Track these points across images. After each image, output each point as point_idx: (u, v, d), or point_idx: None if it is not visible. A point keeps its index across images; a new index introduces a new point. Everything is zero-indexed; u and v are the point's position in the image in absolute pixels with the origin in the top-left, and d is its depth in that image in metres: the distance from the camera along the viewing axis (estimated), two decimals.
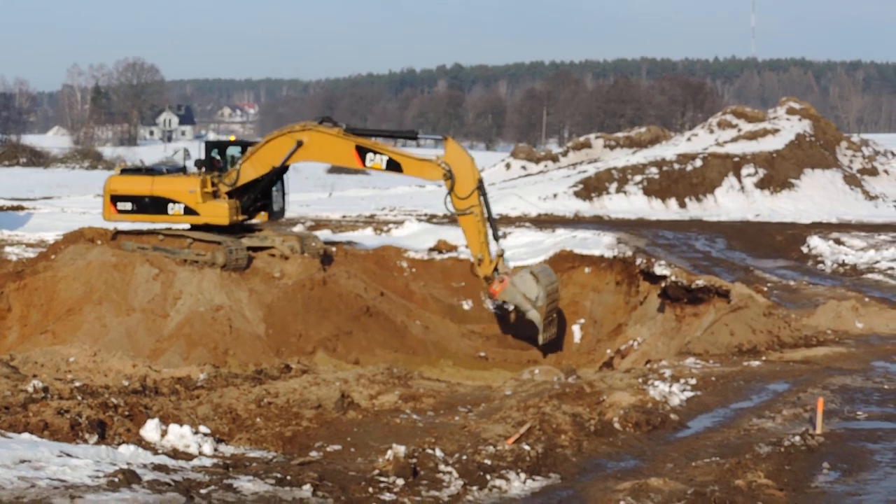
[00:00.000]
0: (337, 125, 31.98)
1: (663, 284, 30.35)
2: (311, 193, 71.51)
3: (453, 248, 36.84)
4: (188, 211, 32.64)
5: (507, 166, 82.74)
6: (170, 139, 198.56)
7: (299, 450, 14.85)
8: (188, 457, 13.38)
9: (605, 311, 33.39)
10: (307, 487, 11.89)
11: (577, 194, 59.39)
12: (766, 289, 29.93)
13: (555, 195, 59.13)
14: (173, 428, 14.12)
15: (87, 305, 30.59)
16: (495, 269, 30.57)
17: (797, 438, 14.67)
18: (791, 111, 68.83)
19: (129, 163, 60.56)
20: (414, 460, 13.03)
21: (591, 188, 60.19)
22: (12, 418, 13.79)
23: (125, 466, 11.60)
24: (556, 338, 32.01)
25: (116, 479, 10.97)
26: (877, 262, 37.38)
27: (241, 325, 30.48)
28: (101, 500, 10.25)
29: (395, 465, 12.87)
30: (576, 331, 32.32)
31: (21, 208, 54.08)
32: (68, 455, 11.90)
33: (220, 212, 32.65)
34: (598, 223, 50.09)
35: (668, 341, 28.42)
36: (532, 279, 30.29)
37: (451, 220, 41.00)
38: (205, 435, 14.18)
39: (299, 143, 31.71)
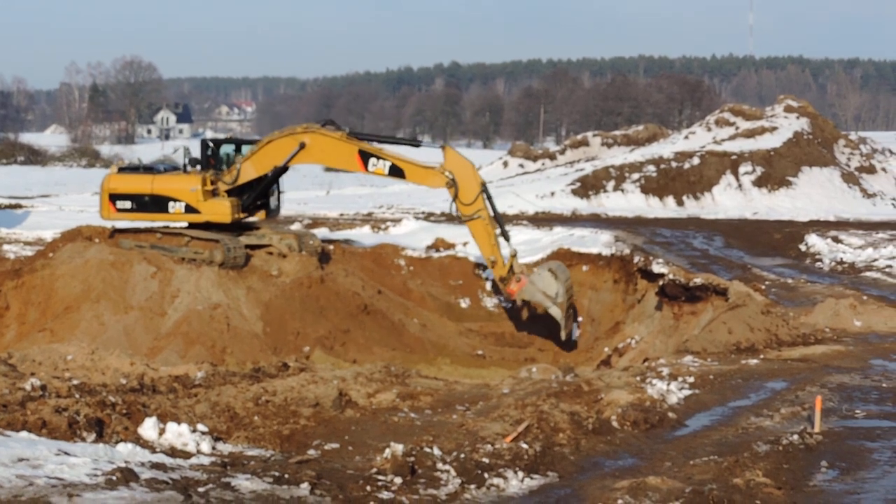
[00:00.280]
0: (340, 128, 32.03)
1: (661, 282, 30.35)
2: (309, 191, 71.57)
3: (451, 247, 36.85)
4: (189, 209, 32.60)
5: (505, 164, 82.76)
6: (167, 137, 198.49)
7: (297, 448, 14.84)
8: (186, 455, 13.37)
9: (603, 310, 33.39)
10: (305, 486, 11.89)
11: (574, 192, 59.40)
12: (764, 287, 29.90)
13: (552, 193, 59.14)
14: (171, 426, 14.11)
15: (84, 303, 30.56)
16: (510, 270, 30.76)
17: (795, 437, 14.67)
18: (789, 109, 68.84)
19: (126, 161, 60.52)
20: (412, 459, 13.03)
21: (588, 186, 60.20)
22: (10, 416, 13.78)
23: (123, 465, 11.59)
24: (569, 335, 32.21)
25: (114, 478, 10.96)
26: (875, 260, 37.37)
27: (238, 324, 30.47)
28: (99, 498, 10.24)
29: (392, 463, 12.87)
30: (574, 329, 32.30)
31: (19, 206, 54.05)
32: (66, 453, 11.89)
33: (222, 210, 32.62)
34: (596, 221, 50.10)
35: (666, 339, 28.41)
36: (550, 276, 30.64)
37: (449, 218, 41.03)
38: (203, 433, 14.17)
39: (302, 145, 31.75)
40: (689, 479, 12.96)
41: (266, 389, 17.41)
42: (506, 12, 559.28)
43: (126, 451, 12.62)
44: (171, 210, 32.66)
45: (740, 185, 60.14)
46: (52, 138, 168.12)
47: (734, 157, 61.67)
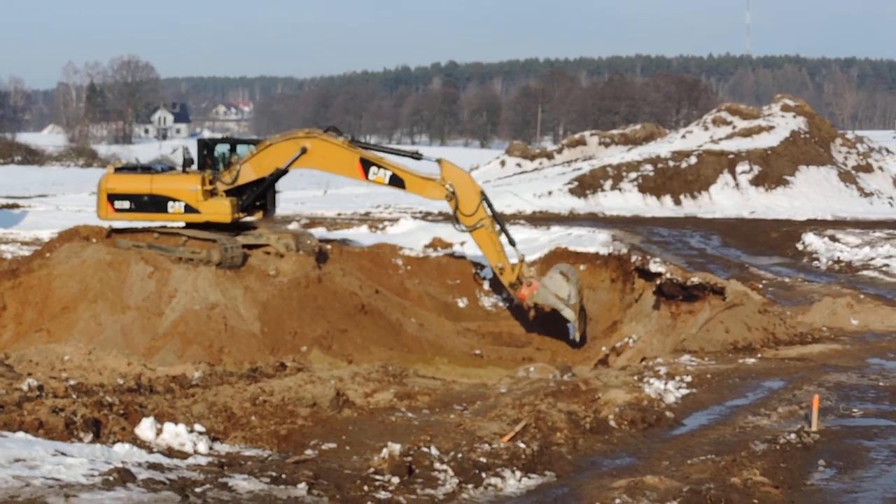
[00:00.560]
0: (342, 135, 32.14)
1: (658, 282, 30.35)
2: (306, 191, 71.53)
3: (448, 246, 36.84)
4: (189, 209, 32.57)
5: (502, 164, 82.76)
6: (164, 137, 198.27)
7: (294, 448, 14.83)
8: (183, 455, 13.36)
9: (601, 309, 33.39)
10: (302, 486, 11.88)
11: (572, 191, 59.44)
12: (761, 286, 29.91)
13: (550, 192, 59.18)
14: (168, 426, 14.10)
15: (82, 303, 30.52)
16: (520, 275, 30.95)
17: (793, 436, 14.68)
18: (786, 108, 68.89)
19: (123, 161, 60.49)
20: (409, 458, 13.02)
21: (585, 185, 60.23)
22: (7, 417, 13.76)
23: (120, 465, 11.58)
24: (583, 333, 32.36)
25: (111, 478, 10.95)
26: (872, 258, 37.39)
27: (236, 324, 30.43)
28: (96, 498, 10.23)
29: (390, 463, 12.86)
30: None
31: (16, 206, 54.03)
32: (63, 454, 11.88)
33: (221, 209, 32.62)
34: (593, 220, 50.13)
35: (664, 339, 28.41)
36: (562, 278, 30.99)
37: (447, 217, 41.00)
38: (200, 433, 14.16)
39: (303, 150, 31.87)
40: (687, 478, 12.96)
41: (263, 389, 17.40)
42: (503, 12, 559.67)
43: (123, 452, 12.61)
44: (170, 210, 32.64)
45: (737, 185, 60.18)
46: (49, 138, 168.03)
47: (731, 156, 61.71)
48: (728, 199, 58.94)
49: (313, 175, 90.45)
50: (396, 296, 33.91)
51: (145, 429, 14.07)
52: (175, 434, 13.96)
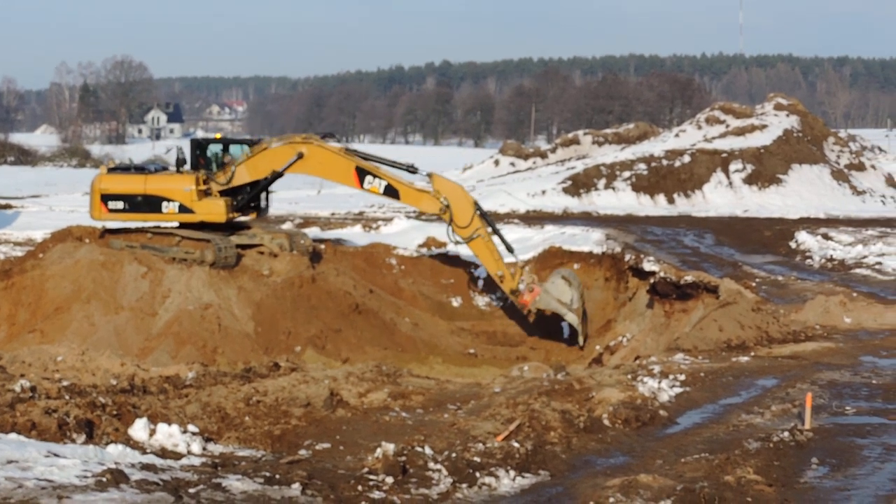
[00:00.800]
0: (339, 142, 32.40)
1: (652, 280, 30.36)
2: (300, 191, 71.45)
3: (442, 245, 36.84)
4: (183, 209, 32.53)
5: (496, 163, 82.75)
6: (158, 137, 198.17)
7: (288, 448, 14.82)
8: (176, 456, 13.34)
9: (594, 308, 33.39)
10: (296, 486, 11.87)
11: (565, 191, 59.47)
12: (754, 284, 29.97)
13: (543, 192, 59.20)
14: (162, 427, 14.08)
15: (75, 304, 30.48)
16: (521, 281, 31.20)
17: (786, 434, 14.69)
18: (779, 107, 68.99)
19: (117, 161, 60.34)
20: (403, 458, 13.01)
21: (579, 184, 60.26)
22: (0, 418, 13.74)
23: (113, 466, 11.56)
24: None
25: (104, 479, 10.93)
26: (864, 256, 37.44)
27: (229, 324, 30.42)
28: (89, 500, 10.22)
29: (384, 463, 12.85)
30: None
31: (9, 207, 53.98)
32: (56, 455, 11.86)
33: (216, 209, 32.61)
34: (587, 219, 50.17)
35: (657, 337, 28.43)
36: (564, 283, 31.12)
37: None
38: (193, 434, 14.14)
39: (300, 155, 31.98)
40: (681, 476, 12.96)
41: (257, 389, 17.38)
42: (497, 11, 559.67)
43: (116, 453, 12.59)
44: (164, 210, 32.60)
45: (731, 183, 60.26)
46: (42, 138, 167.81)
47: (725, 155, 61.77)
48: (721, 198, 59.01)
49: (307, 175, 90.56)
50: (390, 295, 33.90)
51: (139, 429, 14.05)
52: (168, 434, 13.94)
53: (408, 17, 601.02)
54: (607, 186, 59.96)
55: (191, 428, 14.35)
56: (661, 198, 59.33)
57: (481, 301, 34.28)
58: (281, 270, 32.44)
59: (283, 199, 55.27)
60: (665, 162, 61.64)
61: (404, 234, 39.75)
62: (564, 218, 51.05)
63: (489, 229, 31.59)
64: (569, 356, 30.88)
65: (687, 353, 21.70)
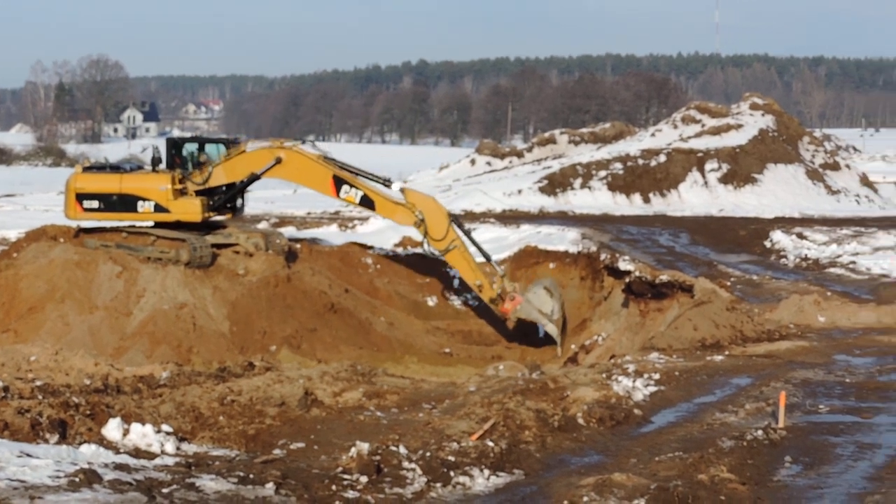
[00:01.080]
0: (318, 149, 32.39)
1: (627, 280, 30.43)
2: (276, 190, 71.19)
3: (418, 245, 36.79)
4: (159, 208, 32.40)
5: (472, 162, 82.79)
6: (134, 136, 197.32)
7: (262, 448, 14.78)
8: (150, 456, 13.29)
9: (570, 307, 33.43)
10: (270, 486, 11.85)
11: (541, 190, 59.56)
12: (729, 283, 30.07)
13: (519, 191, 59.27)
14: (135, 427, 14.02)
15: (49, 304, 30.32)
16: (502, 290, 31.19)
17: (760, 432, 14.75)
18: (754, 106, 69.27)
19: (92, 160, 60.04)
20: (377, 457, 13.00)
21: (555, 184, 60.36)
22: None
23: (86, 466, 11.51)
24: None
25: (77, 479, 10.89)
26: (839, 256, 37.66)
27: (205, 323, 30.32)
28: (62, 500, 10.17)
29: (358, 462, 12.84)
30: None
31: None
32: (28, 455, 11.80)
33: (192, 209, 32.51)
34: (563, 219, 50.25)
35: (632, 336, 28.50)
36: (546, 293, 31.25)
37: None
38: (167, 434, 14.09)
39: (278, 160, 31.97)
40: (655, 475, 13.00)
41: (231, 389, 17.33)
42: (474, 11, 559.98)
43: (89, 453, 12.54)
44: (140, 209, 32.48)
45: (706, 183, 60.48)
46: (17, 137, 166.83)
47: (700, 154, 61.99)
48: (697, 197, 59.23)
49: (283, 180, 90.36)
50: (366, 295, 33.87)
51: (112, 429, 13.99)
52: (142, 434, 13.88)
53: (385, 17, 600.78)
54: (583, 186, 60.08)
55: (165, 428, 14.29)
56: (637, 197, 59.50)
57: (457, 300, 34.29)
58: (256, 270, 32.36)
59: (259, 199, 55.12)
60: (641, 161, 61.81)
61: (380, 233, 39.74)
62: (540, 217, 51.12)
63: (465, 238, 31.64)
64: (544, 355, 30.91)
65: (662, 352, 21.77)
